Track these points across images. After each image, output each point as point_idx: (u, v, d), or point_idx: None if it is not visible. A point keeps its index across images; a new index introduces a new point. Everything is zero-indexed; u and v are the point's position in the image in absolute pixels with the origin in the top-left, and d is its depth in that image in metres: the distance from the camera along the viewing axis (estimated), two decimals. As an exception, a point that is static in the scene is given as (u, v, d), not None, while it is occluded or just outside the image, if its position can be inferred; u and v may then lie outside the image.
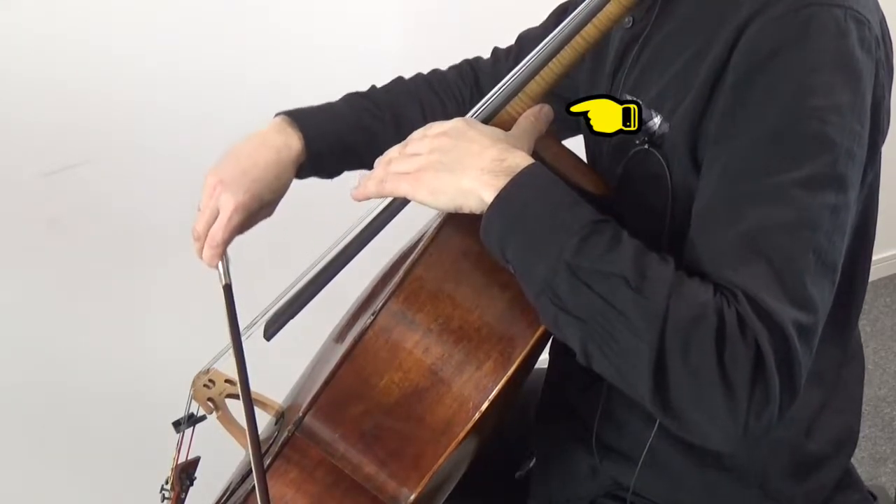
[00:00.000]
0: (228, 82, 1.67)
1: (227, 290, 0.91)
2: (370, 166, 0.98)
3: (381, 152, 1.01)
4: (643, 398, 0.71)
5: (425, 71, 1.19)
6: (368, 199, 0.85)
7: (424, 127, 0.84)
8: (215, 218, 0.95)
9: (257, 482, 0.80)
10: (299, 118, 1.03)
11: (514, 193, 0.75)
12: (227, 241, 0.95)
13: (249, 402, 0.84)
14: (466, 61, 1.20)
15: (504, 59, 1.16)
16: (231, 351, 0.88)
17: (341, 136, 1.05)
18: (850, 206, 0.75)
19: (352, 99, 1.11)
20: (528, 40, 1.14)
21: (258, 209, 0.98)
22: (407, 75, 1.19)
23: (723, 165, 0.76)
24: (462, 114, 1.09)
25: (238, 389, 0.87)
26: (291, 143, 1.00)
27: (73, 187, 1.61)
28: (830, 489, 0.97)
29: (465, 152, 0.79)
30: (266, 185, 0.97)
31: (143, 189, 1.66)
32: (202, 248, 0.96)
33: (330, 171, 1.09)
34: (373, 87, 1.14)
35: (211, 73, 1.65)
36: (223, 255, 0.95)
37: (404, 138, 1.02)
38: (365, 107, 1.09)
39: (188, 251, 1.72)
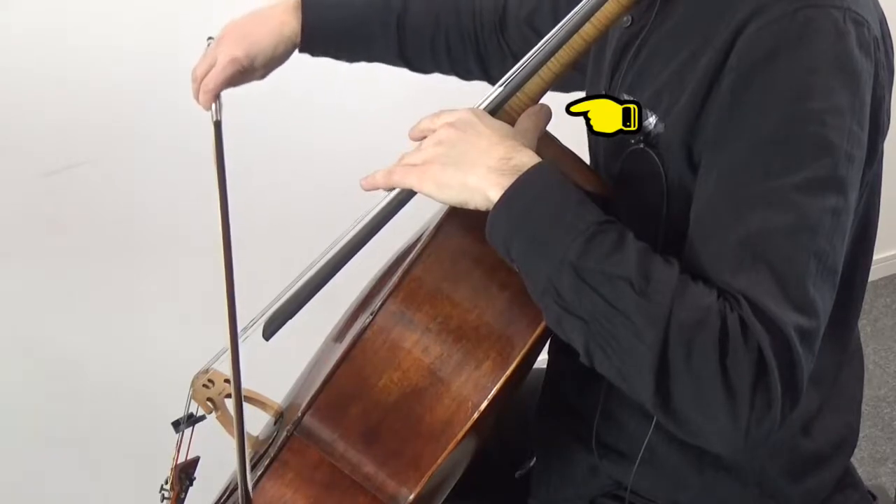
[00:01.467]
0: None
1: (217, 126, 1.03)
2: (355, 60, 1.16)
3: (376, 57, 1.16)
4: (645, 400, 0.71)
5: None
6: (377, 189, 0.86)
7: (433, 114, 0.85)
8: (213, 66, 1.07)
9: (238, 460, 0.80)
10: (309, 5, 1.12)
11: (520, 193, 0.75)
12: (218, 88, 1.07)
13: (236, 355, 0.87)
14: None
15: (526, 4, 1.15)
16: (229, 352, 0.87)
17: (338, 33, 1.14)
18: (850, 208, 0.75)
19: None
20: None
21: (250, 68, 1.09)
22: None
23: (722, 168, 0.76)
24: (476, 40, 1.16)
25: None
26: (292, 23, 1.11)
27: (73, 187, 1.61)
28: (830, 489, 0.97)
29: (473, 147, 0.79)
30: (261, 50, 1.08)
31: (144, 189, 1.66)
32: (198, 90, 1.09)
33: (333, 57, 1.18)
34: None
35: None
36: (216, 99, 1.08)
37: (401, 52, 1.15)
38: (378, 8, 1.15)
39: (188, 251, 1.72)
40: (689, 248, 0.76)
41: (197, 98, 1.10)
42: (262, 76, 1.13)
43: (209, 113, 1.08)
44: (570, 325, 0.73)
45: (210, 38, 1.11)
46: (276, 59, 1.11)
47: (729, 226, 0.73)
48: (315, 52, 1.15)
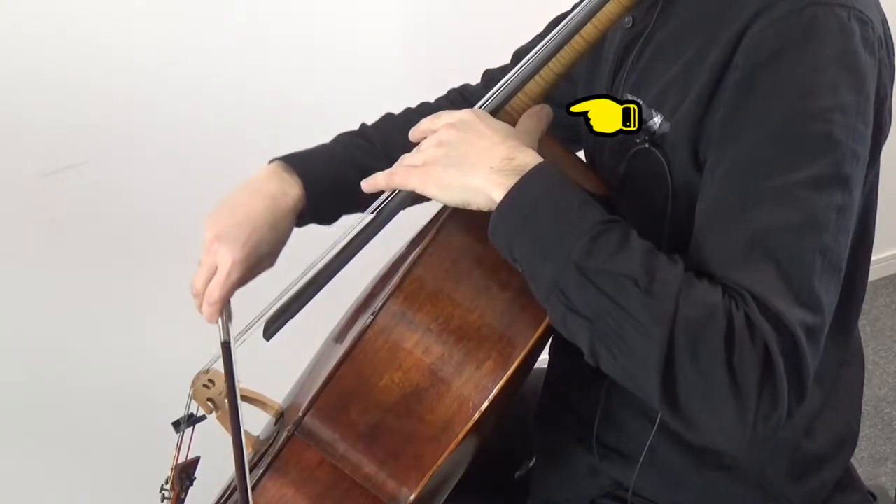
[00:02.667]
0: (228, 82, 1.67)
1: (226, 347, 0.88)
2: (360, 209, 0.96)
3: (366, 200, 0.97)
4: (651, 399, 0.71)
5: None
6: (378, 190, 0.86)
7: (433, 115, 0.84)
8: (213, 273, 0.93)
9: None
10: (295, 162, 1.00)
11: (522, 193, 0.75)
12: (226, 298, 0.93)
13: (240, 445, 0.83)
14: (454, 90, 1.17)
15: (497, 80, 1.15)
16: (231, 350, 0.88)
17: (338, 176, 1.01)
18: (854, 205, 0.75)
19: (343, 139, 1.08)
20: (523, 56, 1.13)
21: (257, 263, 0.95)
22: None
23: (727, 166, 0.76)
24: None
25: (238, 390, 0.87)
26: (289, 189, 0.97)
27: (73, 187, 1.61)
28: (830, 489, 0.97)
29: (474, 148, 0.79)
30: (263, 236, 0.94)
31: (143, 189, 1.66)
32: (201, 304, 0.94)
33: (329, 216, 1.05)
34: (363, 124, 1.12)
35: (211, 72, 1.65)
36: (223, 311, 0.92)
37: None
38: (357, 144, 1.07)
39: (188, 251, 1.72)
40: (695, 246, 0.76)
41: (199, 311, 0.95)
42: (271, 264, 0.98)
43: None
44: (576, 325, 0.73)
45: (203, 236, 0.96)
46: (280, 240, 0.97)
47: (734, 223, 0.73)
48: (313, 212, 1.00)
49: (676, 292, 0.70)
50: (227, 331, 0.91)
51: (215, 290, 0.92)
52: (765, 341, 0.68)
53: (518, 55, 1.14)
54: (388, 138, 1.07)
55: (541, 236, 0.74)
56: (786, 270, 0.71)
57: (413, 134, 0.86)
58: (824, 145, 0.73)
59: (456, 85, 1.21)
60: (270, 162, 1.01)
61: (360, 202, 0.97)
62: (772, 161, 0.73)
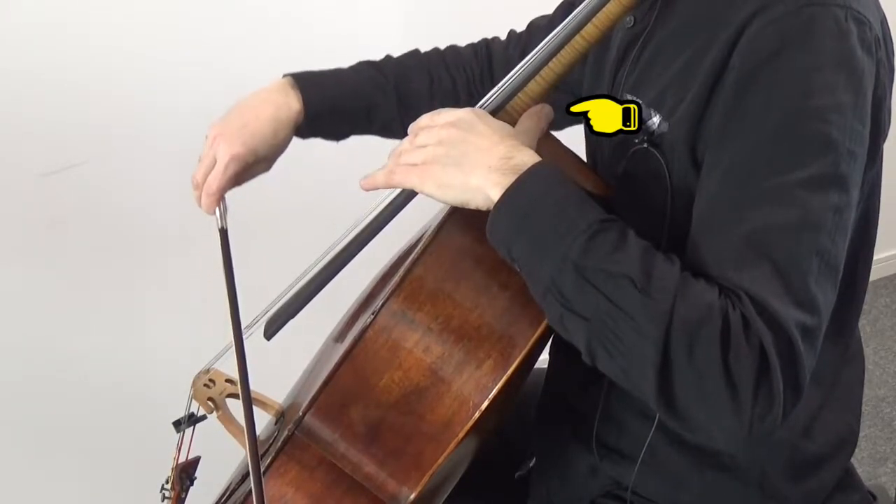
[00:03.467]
0: (228, 82, 1.66)
1: (223, 234, 0.96)
2: (367, 133, 1.10)
3: (378, 122, 1.10)
4: (648, 398, 0.71)
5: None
6: (377, 189, 0.86)
7: (432, 113, 0.85)
8: (213, 167, 1.00)
9: (252, 471, 0.80)
10: (302, 81, 1.06)
11: (520, 192, 0.75)
12: (223, 190, 0.99)
13: (242, 352, 0.85)
14: (484, 40, 1.21)
15: (515, 44, 1.17)
16: (232, 350, 0.88)
17: (340, 102, 1.08)
18: (852, 206, 0.75)
19: (361, 67, 1.13)
20: (537, 29, 1.15)
21: (253, 162, 1.02)
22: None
23: (725, 166, 0.76)
24: (470, 91, 1.13)
25: (238, 389, 0.87)
26: (291, 103, 1.04)
27: (73, 187, 1.61)
28: (830, 489, 0.97)
29: (474, 147, 0.79)
30: (262, 139, 1.01)
31: (143, 189, 1.66)
32: (200, 196, 1.00)
33: (329, 134, 1.12)
34: (388, 56, 1.15)
35: (211, 72, 1.65)
36: (220, 202, 0.99)
37: (405, 110, 1.09)
38: (371, 76, 1.11)
39: (188, 251, 1.72)
40: (692, 245, 0.76)
41: (198, 203, 1.01)
42: (267, 168, 1.06)
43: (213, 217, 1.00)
44: (573, 324, 0.73)
45: (206, 136, 1.04)
46: (279, 146, 1.04)
47: (732, 223, 0.73)
48: (313, 129, 1.08)
49: (673, 292, 0.70)
50: (223, 219, 0.98)
51: (213, 182, 0.99)
52: (760, 341, 0.69)
53: (531, 27, 1.16)
54: (402, 75, 1.12)
55: (538, 235, 0.74)
56: (782, 271, 0.71)
57: (412, 129, 0.86)
58: (821, 146, 0.73)
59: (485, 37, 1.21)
60: (284, 76, 1.08)
61: (360, 128, 1.12)
62: (769, 161, 0.73)
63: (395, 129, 1.13)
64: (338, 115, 1.09)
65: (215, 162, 1.00)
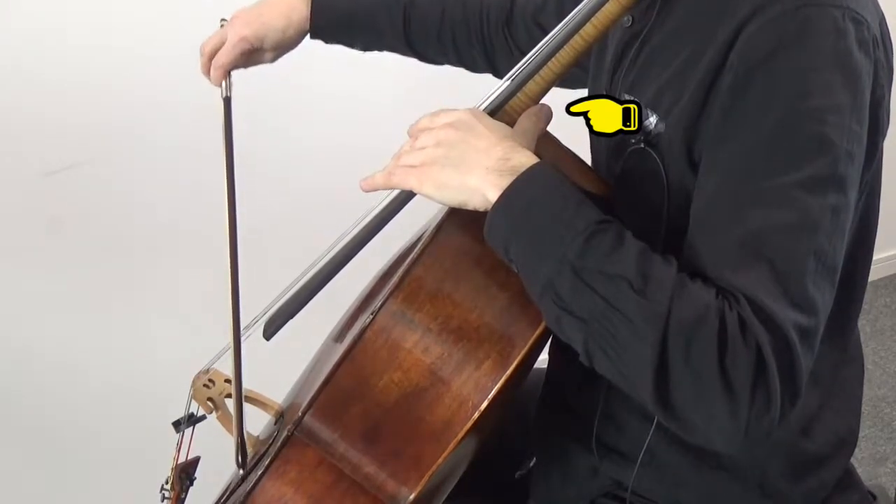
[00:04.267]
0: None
1: (227, 102, 1.06)
2: (377, 50, 1.19)
3: (385, 43, 1.18)
4: (644, 399, 0.71)
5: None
6: (376, 190, 0.86)
7: (431, 114, 0.85)
8: (222, 43, 1.10)
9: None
10: None
11: (518, 193, 0.75)
12: (229, 65, 1.10)
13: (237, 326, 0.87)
14: None
15: (533, 2, 1.16)
16: (231, 352, 0.88)
17: (347, 18, 1.16)
18: (850, 206, 0.75)
19: None
20: None
21: (259, 49, 1.12)
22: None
23: (722, 167, 0.76)
24: (482, 33, 1.17)
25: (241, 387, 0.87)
26: (302, 9, 1.13)
27: (73, 187, 1.61)
28: (830, 489, 0.97)
29: (472, 148, 0.79)
30: (272, 30, 1.11)
31: (144, 189, 1.66)
32: (206, 65, 1.12)
33: (343, 43, 1.20)
34: None
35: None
36: (227, 76, 1.10)
37: (412, 36, 1.17)
38: (385, 1, 1.18)
39: (188, 251, 1.72)
40: (689, 247, 0.76)
41: (206, 74, 1.12)
42: (272, 59, 1.15)
43: (218, 90, 1.10)
44: (570, 325, 0.73)
45: (223, 19, 1.13)
46: (285, 43, 1.14)
47: (729, 224, 0.73)
48: (326, 38, 1.17)
49: (670, 293, 0.70)
50: (229, 88, 1.09)
51: (222, 56, 1.10)
52: (757, 342, 0.68)
53: None
54: (415, 4, 1.18)
55: (535, 236, 0.74)
56: (779, 271, 0.71)
57: (411, 131, 0.86)
58: (819, 146, 0.72)
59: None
60: None
61: (363, 45, 1.21)
62: (766, 162, 0.73)
63: (405, 51, 1.21)
64: (344, 30, 1.17)
65: (225, 39, 1.10)
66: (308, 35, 1.16)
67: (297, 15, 1.13)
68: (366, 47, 1.22)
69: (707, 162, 0.78)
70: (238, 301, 0.93)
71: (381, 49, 1.22)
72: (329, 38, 1.17)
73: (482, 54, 1.19)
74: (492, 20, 1.17)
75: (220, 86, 1.10)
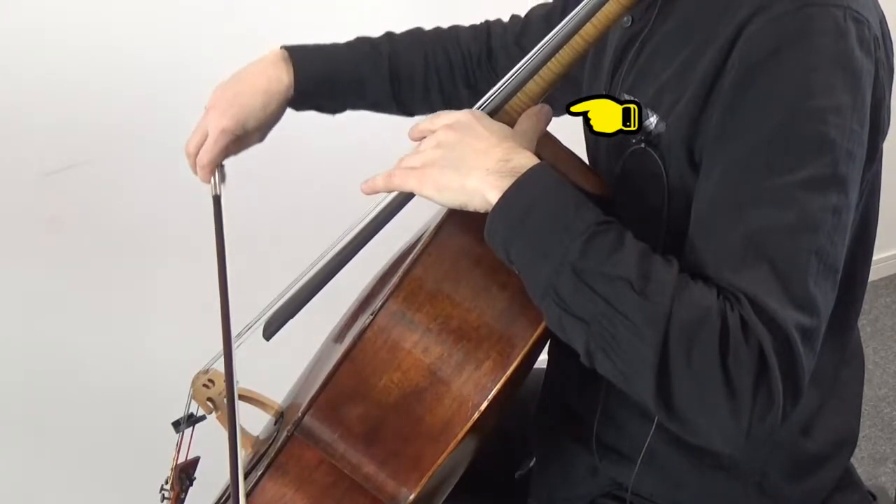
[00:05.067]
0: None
1: (216, 200, 1.00)
2: (360, 108, 1.11)
3: (370, 98, 1.12)
4: (646, 400, 0.71)
5: None
6: (377, 192, 0.86)
7: (431, 116, 0.85)
8: (205, 138, 1.03)
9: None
10: (296, 54, 1.07)
11: (518, 195, 0.75)
12: (214, 162, 1.03)
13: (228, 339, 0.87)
14: (486, 21, 1.21)
15: (513, 30, 1.17)
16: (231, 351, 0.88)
17: (332, 77, 1.10)
18: (850, 206, 0.75)
19: (356, 42, 1.14)
20: (536, 18, 1.15)
21: (243, 135, 1.05)
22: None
23: (723, 167, 0.76)
24: (466, 72, 1.15)
25: (238, 390, 0.87)
26: (283, 77, 1.05)
27: (73, 187, 1.61)
28: (830, 489, 0.97)
29: (471, 150, 0.79)
30: (251, 112, 1.04)
31: (144, 189, 1.66)
32: (194, 165, 1.05)
33: (322, 108, 1.14)
34: (388, 32, 1.17)
35: (211, 72, 1.64)
36: (215, 172, 1.03)
37: (398, 87, 1.12)
38: (365, 51, 1.12)
39: (188, 251, 1.72)
40: (690, 247, 0.76)
41: (194, 172, 1.06)
42: (261, 139, 1.09)
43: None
44: (571, 326, 0.73)
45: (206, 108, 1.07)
46: (269, 119, 1.06)
47: (730, 224, 0.73)
48: (305, 103, 1.10)
49: (671, 294, 0.70)
50: (217, 186, 1.02)
51: (204, 155, 1.03)
52: (759, 342, 0.68)
53: (529, 16, 1.16)
54: (397, 52, 1.13)
55: (536, 238, 0.74)
56: (781, 271, 0.71)
57: (412, 134, 0.86)
58: (820, 146, 0.72)
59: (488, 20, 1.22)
60: (282, 47, 1.09)
61: (349, 105, 1.14)
62: (767, 162, 0.73)
63: (387, 105, 1.16)
64: (328, 90, 1.10)
65: (206, 134, 1.03)
66: (289, 105, 1.08)
67: (277, 85, 1.05)
68: (343, 106, 1.15)
69: (708, 162, 0.78)
70: (227, 306, 0.92)
71: (358, 106, 1.15)
72: (309, 101, 1.10)
73: (469, 95, 1.16)
74: (473, 57, 1.16)
75: (210, 183, 1.03)
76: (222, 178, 1.04)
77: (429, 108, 1.17)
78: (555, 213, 0.74)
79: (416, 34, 1.17)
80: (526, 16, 1.17)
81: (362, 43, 1.14)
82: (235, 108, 1.03)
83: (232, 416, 0.84)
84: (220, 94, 1.05)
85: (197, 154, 1.04)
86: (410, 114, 1.18)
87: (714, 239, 0.74)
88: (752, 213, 0.72)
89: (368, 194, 0.87)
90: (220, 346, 1.08)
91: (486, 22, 1.20)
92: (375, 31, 1.18)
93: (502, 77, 0.97)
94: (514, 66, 0.87)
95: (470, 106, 1.06)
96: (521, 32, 1.14)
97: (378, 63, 1.12)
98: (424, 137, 0.84)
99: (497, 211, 0.76)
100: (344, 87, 1.12)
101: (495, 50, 1.16)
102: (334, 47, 1.13)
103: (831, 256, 0.73)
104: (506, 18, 1.20)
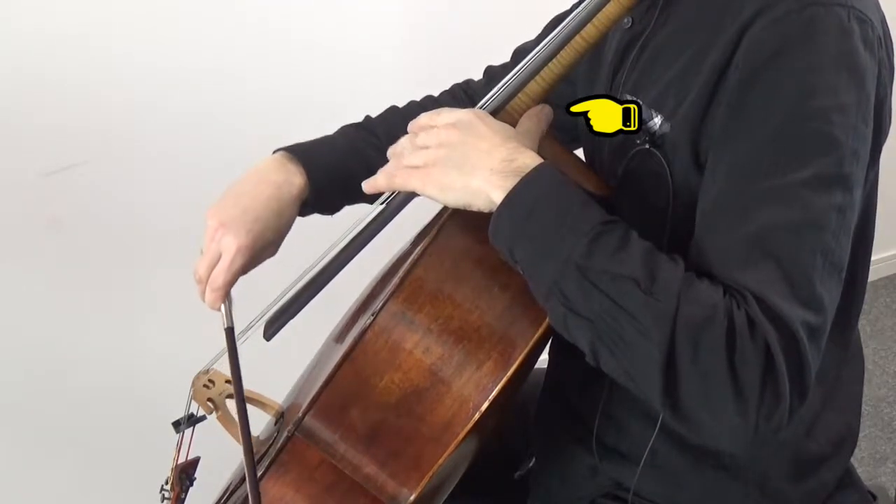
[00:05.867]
0: (228, 82, 1.67)
1: (230, 333, 0.90)
2: (371, 200, 0.97)
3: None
4: (653, 399, 0.71)
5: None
6: (379, 191, 0.86)
7: (432, 112, 0.84)
8: (217, 261, 0.94)
9: (249, 481, 0.80)
10: (299, 153, 1.01)
11: (523, 195, 0.75)
12: (230, 285, 0.94)
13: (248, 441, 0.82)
14: (458, 85, 1.18)
15: (499, 77, 1.15)
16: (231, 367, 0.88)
17: (341, 167, 1.03)
18: (855, 205, 0.75)
19: (347, 130, 1.10)
20: (523, 54, 1.14)
21: (261, 249, 0.96)
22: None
23: (728, 166, 0.76)
24: None
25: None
26: (293, 178, 0.99)
27: (73, 187, 1.61)
28: (830, 489, 0.97)
29: (475, 149, 0.79)
30: (267, 223, 0.95)
31: (143, 189, 1.66)
32: (204, 290, 0.95)
33: (332, 206, 1.07)
34: (367, 117, 1.13)
35: (211, 72, 1.65)
36: (226, 298, 0.94)
37: None
38: (361, 136, 1.08)
39: (188, 251, 1.72)
40: (696, 246, 0.76)
41: (202, 298, 0.96)
42: (274, 252, 1.00)
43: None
44: (576, 326, 0.73)
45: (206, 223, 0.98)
46: (283, 228, 0.98)
47: (736, 223, 0.73)
48: (319, 202, 1.02)
49: (677, 292, 0.70)
50: (229, 317, 0.92)
51: (219, 277, 0.93)
52: (766, 341, 0.68)
53: (518, 54, 1.14)
54: (392, 130, 1.06)
55: (540, 238, 0.74)
56: (787, 270, 0.71)
57: (412, 127, 0.86)
58: (825, 145, 0.72)
59: (458, 82, 1.21)
60: (274, 152, 1.02)
61: (360, 194, 0.99)
62: (772, 161, 0.73)
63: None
64: (341, 181, 1.01)
65: (220, 256, 0.94)
66: (301, 211, 1.00)
67: (289, 188, 0.97)
68: (353, 199, 1.05)
69: (713, 161, 0.78)
70: (243, 397, 0.90)
71: (361, 200, 1.03)
72: (323, 200, 1.03)
73: None
74: None
75: (220, 311, 0.93)
76: (230, 304, 0.94)
77: None
78: (559, 213, 0.74)
79: (397, 111, 1.13)
80: (513, 55, 1.14)
81: (353, 129, 1.09)
82: (249, 224, 0.94)
83: (242, 404, 0.83)
84: (224, 211, 0.95)
85: (208, 277, 0.94)
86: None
87: (720, 238, 0.74)
88: (757, 211, 0.72)
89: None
90: (219, 347, 1.08)
91: (458, 85, 1.18)
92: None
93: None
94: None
95: None
96: (487, 84, 1.11)
97: (378, 145, 1.05)
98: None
99: (502, 211, 0.76)
100: (354, 173, 0.99)
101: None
102: (329, 139, 1.07)
103: (836, 255, 0.73)
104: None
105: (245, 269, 0.95)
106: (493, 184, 0.76)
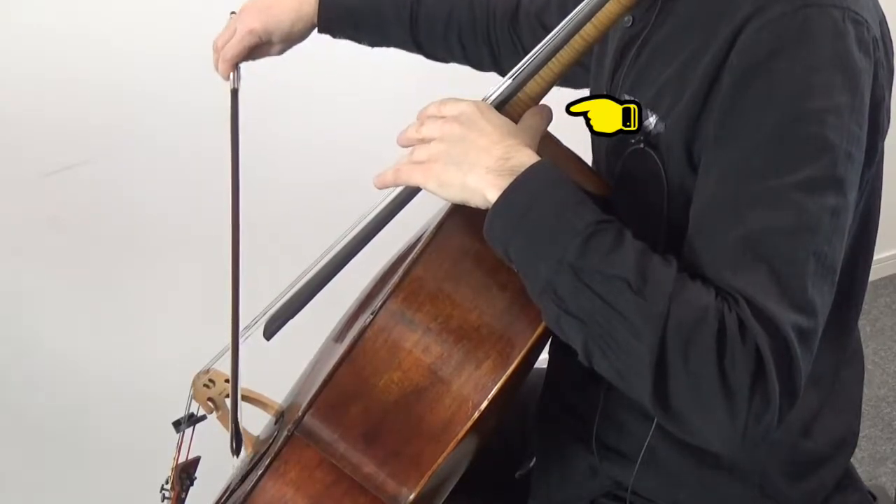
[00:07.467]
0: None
1: (234, 94, 1.09)
2: (385, 46, 1.22)
3: (392, 40, 1.20)
4: (643, 400, 0.71)
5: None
6: (388, 187, 0.87)
7: (439, 102, 0.85)
8: (232, 36, 1.12)
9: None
10: None
11: (517, 193, 0.75)
12: (236, 58, 1.12)
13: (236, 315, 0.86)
14: None
15: (536, 1, 1.17)
16: (231, 353, 0.88)
17: (355, 14, 1.18)
18: (849, 207, 0.75)
19: None
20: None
21: (267, 42, 1.14)
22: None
23: (721, 168, 0.76)
24: (487, 32, 1.18)
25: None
26: (311, 3, 1.15)
27: (73, 187, 1.61)
28: (830, 489, 0.97)
29: (473, 146, 0.79)
30: (278, 25, 1.13)
31: (143, 189, 1.67)
32: (218, 59, 1.14)
33: (352, 39, 1.21)
34: None
35: (212, 72, 1.64)
36: (235, 69, 1.12)
37: (417, 33, 1.18)
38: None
39: (188, 251, 1.72)
40: (688, 248, 0.76)
41: (216, 67, 1.14)
42: (280, 51, 1.17)
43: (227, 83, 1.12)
44: (569, 325, 0.73)
45: (233, 11, 1.15)
46: (293, 36, 1.15)
47: (728, 225, 0.73)
48: (334, 33, 1.18)
49: (669, 294, 0.70)
50: (236, 80, 1.12)
51: (229, 50, 1.12)
52: (756, 344, 0.68)
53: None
54: (422, 2, 1.18)
55: (535, 236, 0.74)
56: (779, 273, 0.71)
57: (419, 116, 0.86)
58: (818, 147, 0.72)
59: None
60: None
61: (368, 40, 1.21)
62: (765, 163, 0.73)
63: (409, 48, 1.22)
64: (351, 26, 1.18)
65: (235, 33, 1.11)
66: (320, 31, 1.17)
67: (307, 8, 1.14)
68: (373, 43, 1.22)
69: (706, 162, 0.78)
70: (238, 292, 0.93)
71: (388, 45, 1.22)
72: (337, 32, 1.18)
73: (489, 54, 1.20)
74: (498, 20, 1.18)
75: (229, 78, 1.12)
76: (239, 77, 1.13)
77: (451, 56, 1.23)
78: (554, 212, 0.74)
79: None
80: None
81: None
82: (266, 16, 1.12)
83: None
84: (254, 2, 1.13)
85: (222, 49, 1.12)
86: (435, 59, 1.24)
87: (712, 240, 0.74)
88: (750, 214, 0.72)
89: (380, 188, 0.87)
90: (219, 347, 1.08)
91: None
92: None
93: (523, 48, 1.07)
94: (535, 40, 0.89)
95: (489, 67, 1.18)
96: (543, 9, 1.15)
97: (401, 10, 1.18)
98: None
99: (496, 210, 0.76)
100: (365, 27, 1.19)
101: (521, 17, 1.17)
102: None
103: (829, 258, 0.73)
104: None
105: (251, 51, 1.13)
106: (488, 182, 0.76)
